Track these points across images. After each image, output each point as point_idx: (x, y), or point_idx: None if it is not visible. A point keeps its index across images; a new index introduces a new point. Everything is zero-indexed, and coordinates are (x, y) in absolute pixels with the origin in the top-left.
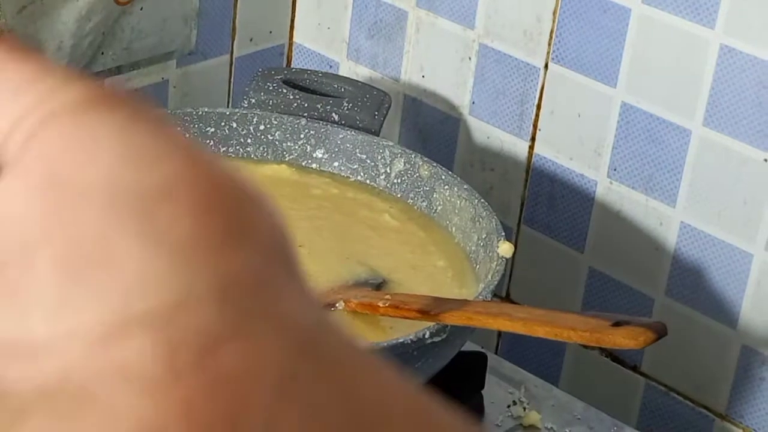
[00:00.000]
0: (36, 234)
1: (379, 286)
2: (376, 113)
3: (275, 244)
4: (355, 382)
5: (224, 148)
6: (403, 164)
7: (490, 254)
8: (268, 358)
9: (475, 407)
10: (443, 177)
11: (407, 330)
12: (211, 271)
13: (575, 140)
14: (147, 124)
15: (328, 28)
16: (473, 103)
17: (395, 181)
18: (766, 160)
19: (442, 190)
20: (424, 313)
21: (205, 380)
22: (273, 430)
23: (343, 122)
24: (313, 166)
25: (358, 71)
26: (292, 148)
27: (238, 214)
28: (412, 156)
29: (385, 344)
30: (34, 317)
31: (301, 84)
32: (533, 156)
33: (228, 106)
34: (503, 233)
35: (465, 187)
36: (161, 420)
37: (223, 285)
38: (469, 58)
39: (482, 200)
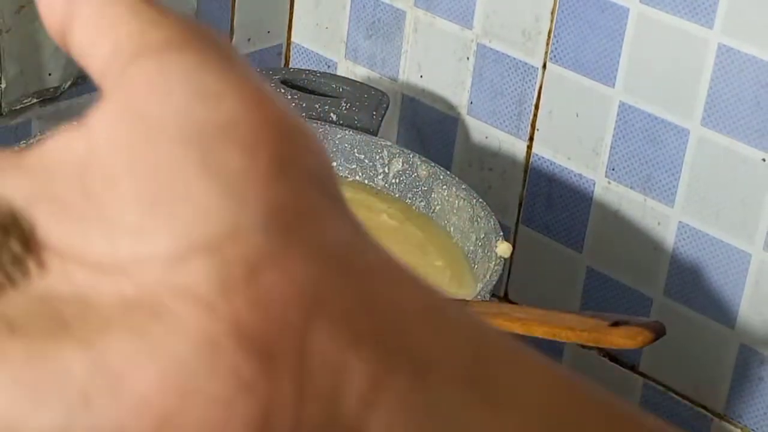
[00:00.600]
0: (121, 164)
1: None
2: (374, 113)
3: (318, 174)
4: (383, 293)
5: None
6: (401, 164)
7: (489, 254)
8: (304, 279)
9: None
10: (441, 177)
11: None
12: (258, 202)
13: (573, 140)
14: (219, 65)
15: (326, 27)
16: (471, 103)
17: (393, 181)
18: (764, 160)
19: (440, 190)
20: None
21: (249, 299)
22: (309, 340)
23: (341, 122)
24: None
25: (356, 71)
26: None
27: (286, 149)
28: (411, 156)
29: None
30: (118, 239)
31: (299, 84)
32: (531, 156)
33: None
34: (501, 233)
35: (463, 187)
36: (216, 329)
37: (268, 214)
38: (467, 58)
39: (480, 200)
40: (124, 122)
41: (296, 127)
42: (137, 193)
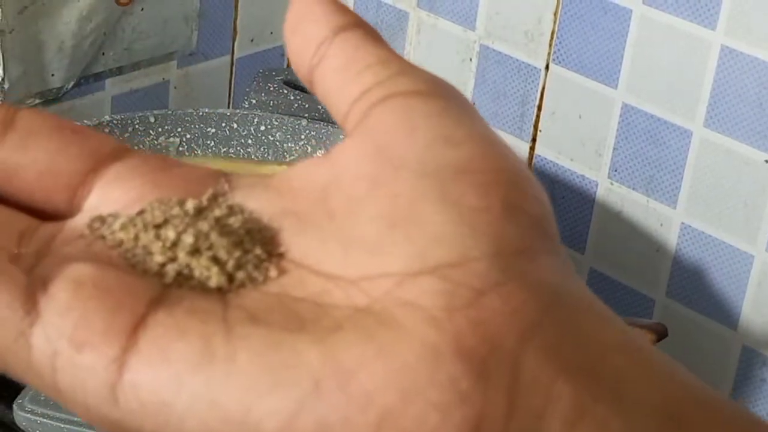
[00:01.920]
0: (363, 190)
1: None
2: None
3: (540, 220)
4: (588, 328)
5: (225, 149)
6: None
7: None
8: (522, 307)
9: None
10: None
11: None
12: (487, 236)
13: (576, 141)
14: (459, 113)
15: None
16: (474, 104)
17: None
18: (767, 161)
19: None
20: None
21: (471, 318)
22: (522, 361)
23: None
24: None
25: None
26: (293, 148)
27: (515, 194)
28: None
29: None
30: (354, 254)
31: (302, 84)
32: (534, 157)
33: (229, 107)
34: None
35: None
36: (439, 341)
37: (494, 248)
38: (470, 59)
39: None
40: (368, 155)
41: (525, 176)
42: (377, 215)
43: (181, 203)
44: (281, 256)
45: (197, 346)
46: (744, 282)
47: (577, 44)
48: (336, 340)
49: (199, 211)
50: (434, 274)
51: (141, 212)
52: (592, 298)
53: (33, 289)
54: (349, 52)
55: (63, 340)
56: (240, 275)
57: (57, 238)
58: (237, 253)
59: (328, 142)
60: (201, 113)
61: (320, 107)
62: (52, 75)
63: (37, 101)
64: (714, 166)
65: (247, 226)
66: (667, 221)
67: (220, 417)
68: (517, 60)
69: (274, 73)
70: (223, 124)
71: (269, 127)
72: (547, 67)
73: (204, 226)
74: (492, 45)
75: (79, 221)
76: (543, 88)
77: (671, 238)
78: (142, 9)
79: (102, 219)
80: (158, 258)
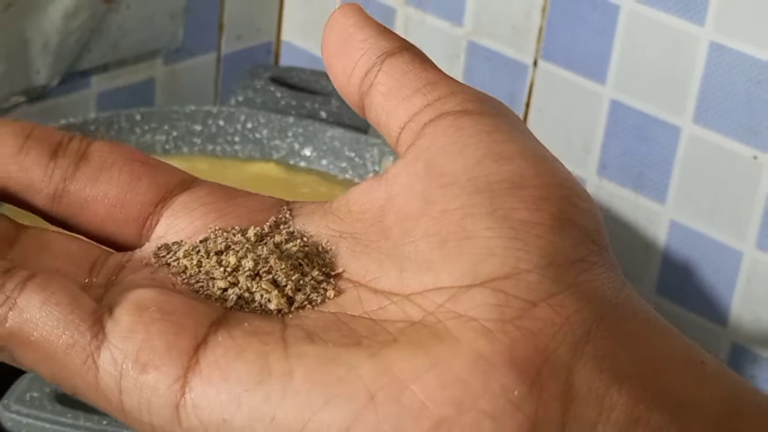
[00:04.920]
0: (415, 209)
1: None
2: None
3: (591, 232)
4: (645, 339)
5: (211, 147)
6: (392, 162)
7: None
8: (574, 317)
9: None
10: None
11: None
12: (538, 249)
13: (564, 138)
14: (508, 129)
15: (317, 25)
16: None
17: None
18: (755, 158)
19: None
20: None
21: (524, 329)
22: (576, 370)
23: (331, 120)
24: (302, 164)
25: None
26: (280, 146)
27: (566, 208)
28: None
29: None
30: (408, 271)
31: (289, 82)
32: None
33: (215, 104)
34: None
35: None
36: (491, 352)
37: (546, 260)
38: (458, 56)
39: None
40: (420, 174)
41: (576, 190)
42: (429, 232)
43: (243, 231)
44: (339, 276)
45: (255, 364)
46: (733, 279)
47: (566, 40)
48: (390, 353)
49: (260, 238)
50: (486, 286)
51: (204, 240)
52: (649, 311)
53: (100, 314)
54: (397, 77)
55: (128, 361)
56: (299, 297)
57: (125, 267)
58: (295, 276)
59: (315, 139)
60: (187, 110)
61: (307, 104)
62: (37, 72)
63: (22, 99)
64: (703, 162)
65: (305, 249)
66: (656, 218)
67: None
68: (505, 56)
69: (260, 70)
70: (210, 122)
71: (256, 124)
72: (535, 64)
73: (264, 251)
74: (480, 41)
75: (147, 250)
76: (531, 85)
77: (660, 234)
78: (128, 6)
79: (167, 247)
80: (220, 283)
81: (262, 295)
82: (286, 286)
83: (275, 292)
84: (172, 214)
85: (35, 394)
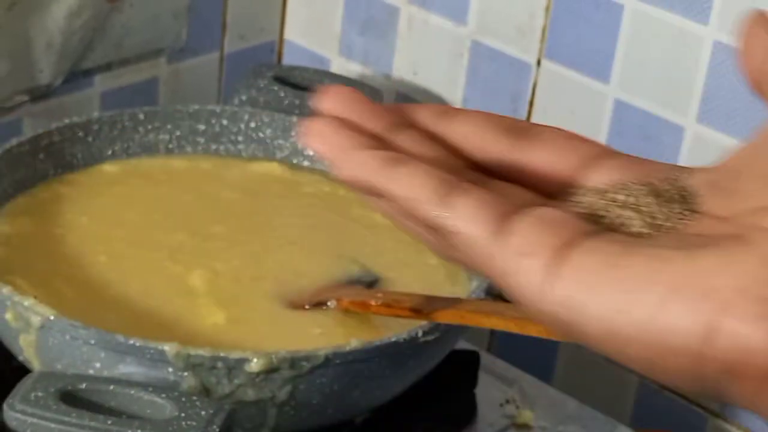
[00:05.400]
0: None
1: (372, 284)
2: None
3: None
4: None
5: (215, 146)
6: None
7: None
8: None
9: (468, 406)
10: None
11: (400, 328)
12: None
13: None
14: None
15: (320, 24)
16: (466, 99)
17: None
18: None
19: None
20: (417, 312)
21: None
22: None
23: None
24: (305, 163)
25: (350, 68)
26: (284, 145)
27: None
28: None
29: (378, 343)
30: (737, 203)
31: (292, 81)
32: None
33: (219, 103)
34: None
35: None
36: None
37: None
38: (462, 55)
39: None
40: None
41: None
42: (763, 176)
43: (640, 183)
44: (693, 212)
45: (604, 261)
46: None
47: (569, 39)
48: (699, 252)
49: (646, 185)
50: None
51: (605, 190)
52: None
53: (512, 214)
54: None
55: (516, 246)
56: (657, 222)
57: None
58: (659, 208)
59: None
60: (191, 110)
61: (310, 103)
62: (41, 71)
63: (26, 98)
64: (707, 161)
65: (672, 192)
66: None
67: (625, 320)
68: (509, 55)
69: (264, 69)
70: (213, 121)
71: (259, 123)
72: (538, 63)
73: (641, 190)
74: (483, 40)
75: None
76: (535, 84)
77: None
78: (131, 5)
79: (578, 191)
80: (601, 211)
81: (629, 221)
82: (649, 213)
83: (638, 217)
84: (594, 176)
85: (40, 394)
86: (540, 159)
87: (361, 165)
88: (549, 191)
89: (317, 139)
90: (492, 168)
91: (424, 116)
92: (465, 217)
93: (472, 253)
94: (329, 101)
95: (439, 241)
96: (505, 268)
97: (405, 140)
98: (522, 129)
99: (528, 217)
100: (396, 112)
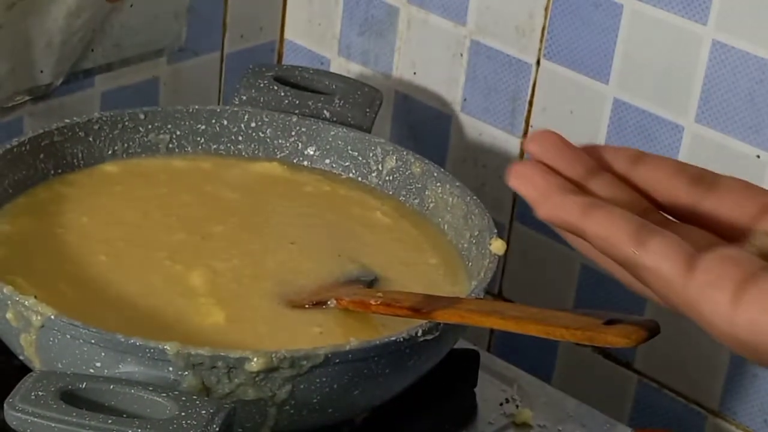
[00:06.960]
0: None
1: (371, 283)
2: (368, 110)
3: None
4: None
5: (215, 146)
6: (394, 161)
7: (483, 251)
8: None
9: (468, 405)
10: (435, 174)
11: (399, 328)
12: None
13: (567, 137)
14: None
15: (319, 24)
16: (465, 99)
17: (387, 178)
18: (758, 156)
19: (434, 187)
20: (416, 311)
21: None
22: None
23: (334, 119)
24: (305, 163)
25: (350, 68)
26: (284, 145)
27: None
28: (404, 153)
29: (377, 342)
30: None
31: (292, 81)
32: (525, 153)
33: (219, 103)
34: (495, 230)
35: (457, 184)
36: None
37: None
38: (461, 55)
39: (474, 197)
40: None
41: None
42: None
43: None
44: None
45: None
46: None
47: (568, 39)
48: None
49: None
50: None
51: None
52: None
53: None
54: None
55: (700, 282)
56: None
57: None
58: None
59: (318, 138)
60: (191, 110)
61: (310, 103)
62: (41, 72)
63: (26, 98)
64: (706, 161)
65: None
66: None
67: None
68: (508, 55)
69: (264, 70)
70: (213, 121)
71: (259, 123)
72: (538, 63)
73: None
74: (483, 40)
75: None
76: (534, 84)
77: None
78: (132, 5)
79: (754, 235)
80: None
81: None
82: None
83: None
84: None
85: (40, 393)
86: (721, 207)
87: (563, 208)
88: (726, 235)
89: (524, 182)
90: (675, 211)
91: (619, 160)
92: (658, 255)
93: (665, 287)
94: (535, 145)
95: (633, 276)
96: (695, 299)
97: (601, 184)
98: (705, 177)
99: (713, 255)
100: (593, 154)
